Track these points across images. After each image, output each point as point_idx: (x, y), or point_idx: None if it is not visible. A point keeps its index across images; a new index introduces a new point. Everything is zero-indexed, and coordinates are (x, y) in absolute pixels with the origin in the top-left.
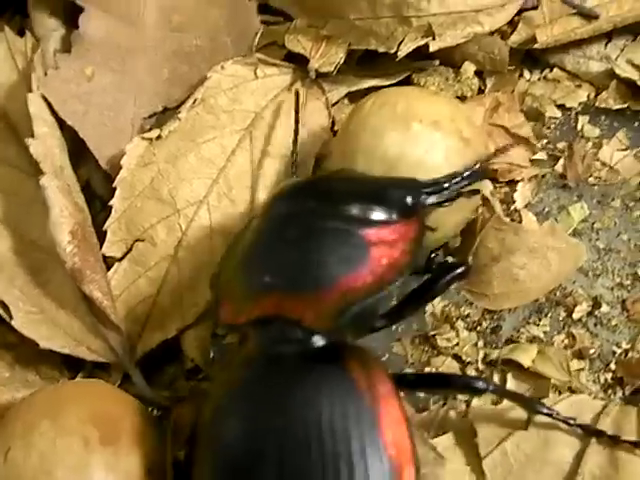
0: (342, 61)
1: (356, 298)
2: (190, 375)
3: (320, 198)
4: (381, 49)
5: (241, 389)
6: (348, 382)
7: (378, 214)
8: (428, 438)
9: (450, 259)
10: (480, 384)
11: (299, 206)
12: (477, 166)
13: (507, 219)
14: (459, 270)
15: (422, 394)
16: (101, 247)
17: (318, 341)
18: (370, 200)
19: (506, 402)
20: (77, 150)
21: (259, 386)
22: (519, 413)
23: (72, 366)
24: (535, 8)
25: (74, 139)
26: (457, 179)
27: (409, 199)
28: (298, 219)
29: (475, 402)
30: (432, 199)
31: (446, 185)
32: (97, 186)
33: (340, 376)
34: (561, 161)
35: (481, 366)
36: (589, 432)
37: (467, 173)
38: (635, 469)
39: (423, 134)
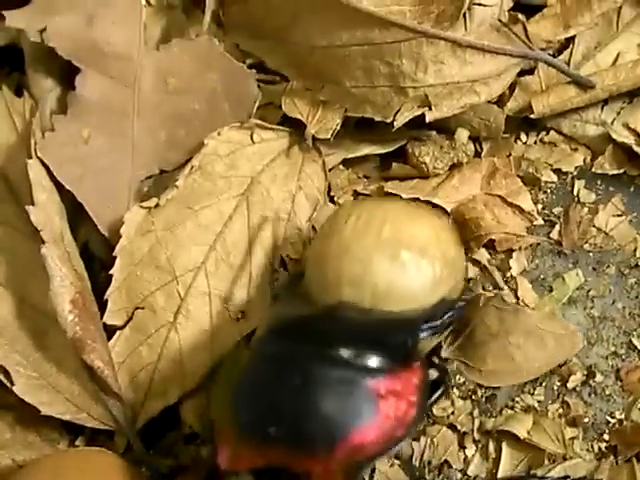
0: (339, 127)
1: (366, 456)
2: (188, 440)
3: (319, 340)
4: (377, 117)
5: None
6: None
7: (382, 361)
8: None
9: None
10: None
11: (297, 346)
12: (466, 298)
13: (509, 299)
14: (437, 394)
15: None
16: (102, 315)
17: None
18: (373, 346)
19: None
20: (75, 212)
21: None
22: None
23: (72, 429)
24: (531, 72)
25: (72, 201)
26: (450, 313)
27: (409, 342)
28: (298, 362)
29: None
30: (425, 334)
31: (440, 322)
32: (95, 248)
33: None
34: (557, 227)
35: (477, 436)
36: None
37: (459, 304)
38: None
39: (411, 262)
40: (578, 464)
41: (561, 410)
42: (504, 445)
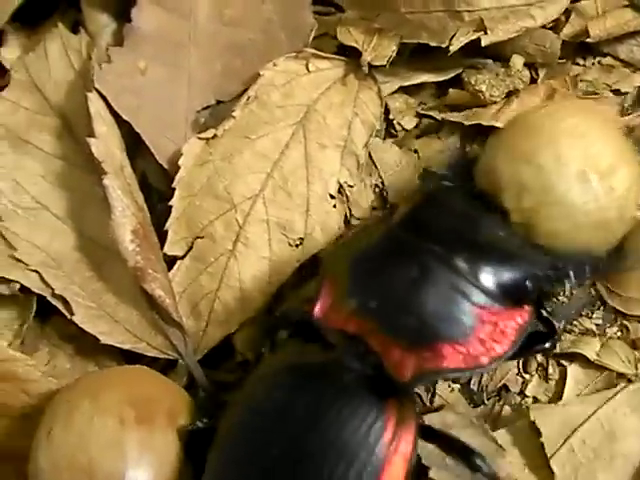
0: (394, 54)
1: (445, 369)
2: (242, 369)
3: (447, 243)
4: (433, 43)
5: (283, 386)
6: (380, 423)
7: (497, 291)
8: (488, 429)
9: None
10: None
11: (426, 243)
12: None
13: None
14: (546, 345)
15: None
16: (162, 246)
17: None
18: (495, 272)
19: (565, 398)
20: (132, 142)
21: (303, 391)
22: (579, 409)
23: (132, 359)
24: None
25: (129, 132)
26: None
27: (530, 284)
28: (422, 256)
29: (531, 400)
30: (549, 285)
31: (568, 274)
32: (153, 179)
33: (377, 414)
34: None
35: (539, 358)
36: None
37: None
38: None
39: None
40: None
41: (620, 333)
42: (570, 368)
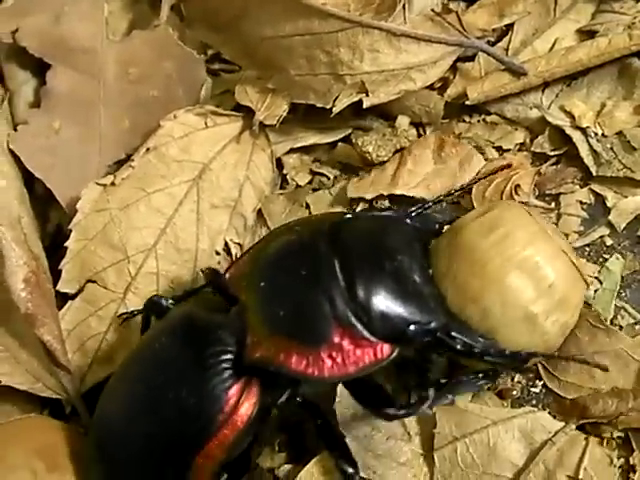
0: (285, 114)
1: (286, 367)
2: None
3: (347, 261)
4: (319, 104)
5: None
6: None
7: (371, 323)
8: None
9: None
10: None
11: (331, 251)
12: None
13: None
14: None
15: None
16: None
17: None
18: (377, 307)
19: (472, 406)
20: (49, 196)
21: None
22: (477, 418)
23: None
24: (473, 59)
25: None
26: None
27: (411, 332)
28: (318, 261)
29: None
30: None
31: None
32: (66, 229)
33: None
34: None
35: None
36: None
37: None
38: None
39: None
40: None
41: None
42: None
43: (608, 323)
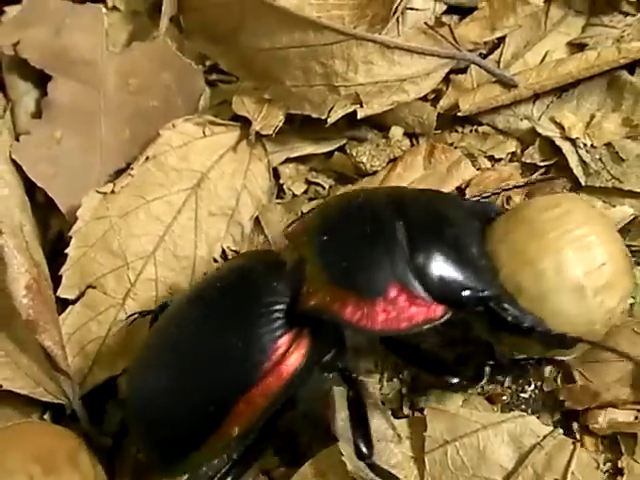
0: (281, 124)
1: (341, 318)
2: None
3: (409, 224)
4: (314, 115)
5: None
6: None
7: (427, 284)
8: (390, 416)
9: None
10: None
11: (394, 215)
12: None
13: None
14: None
15: None
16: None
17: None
18: (434, 270)
19: (463, 410)
20: (50, 204)
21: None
22: (467, 422)
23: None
24: (465, 71)
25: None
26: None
27: (465, 296)
28: (381, 222)
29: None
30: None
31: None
32: (67, 236)
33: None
34: None
35: None
36: None
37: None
38: None
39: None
40: None
41: None
42: None
43: None
